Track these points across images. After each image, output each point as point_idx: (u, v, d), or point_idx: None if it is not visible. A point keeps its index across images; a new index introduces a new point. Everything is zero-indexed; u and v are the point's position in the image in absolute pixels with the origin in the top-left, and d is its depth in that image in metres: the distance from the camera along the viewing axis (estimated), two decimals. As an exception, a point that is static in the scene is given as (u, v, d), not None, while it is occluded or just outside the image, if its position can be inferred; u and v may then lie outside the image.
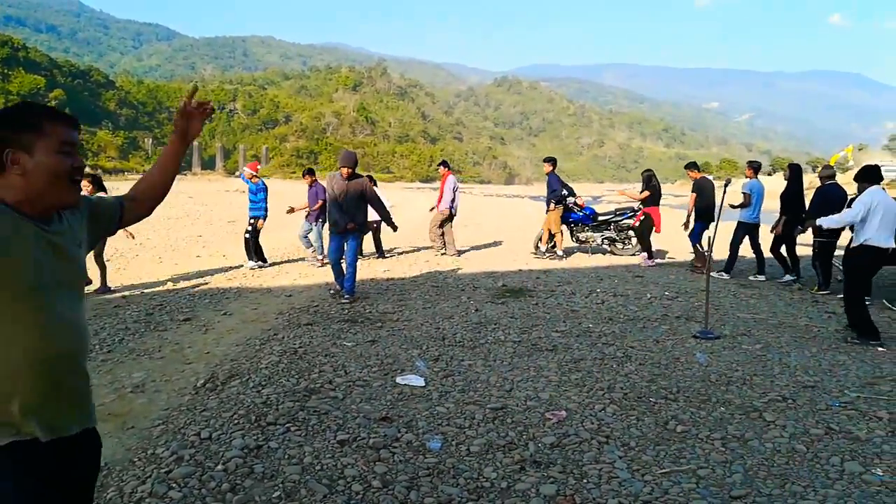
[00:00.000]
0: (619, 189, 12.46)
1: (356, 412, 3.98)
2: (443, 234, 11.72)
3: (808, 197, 9.03)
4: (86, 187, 10.80)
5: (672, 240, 13.68)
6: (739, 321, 6.63)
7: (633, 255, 11.72)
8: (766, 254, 9.51)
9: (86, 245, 1.75)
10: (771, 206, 9.57)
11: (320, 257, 10.17)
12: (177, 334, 5.97)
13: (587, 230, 12.34)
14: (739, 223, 9.54)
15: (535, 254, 11.76)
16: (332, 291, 7.61)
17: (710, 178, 9.91)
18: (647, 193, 10.73)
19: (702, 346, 5.59)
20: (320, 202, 9.84)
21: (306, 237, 10.25)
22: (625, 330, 6.16)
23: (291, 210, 10.44)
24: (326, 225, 8.19)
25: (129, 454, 3.43)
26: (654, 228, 10.83)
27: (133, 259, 10.46)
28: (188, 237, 13.68)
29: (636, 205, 11.48)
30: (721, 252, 9.60)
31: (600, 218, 12.30)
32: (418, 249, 12.58)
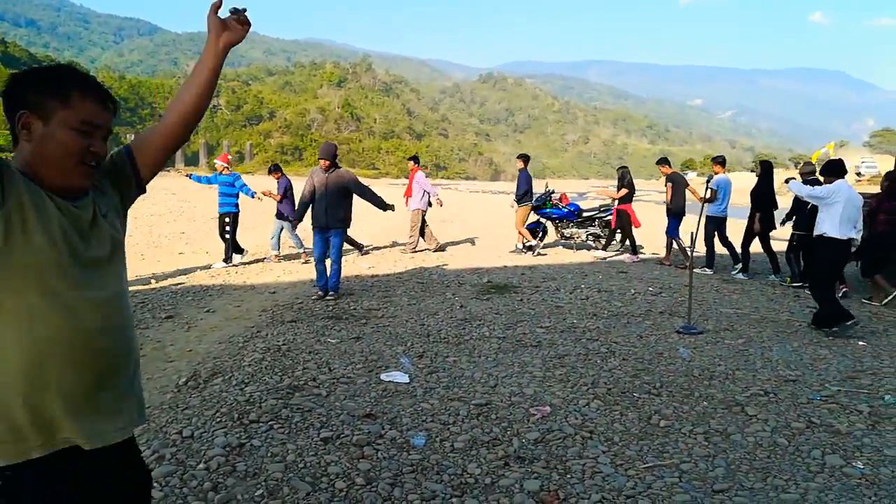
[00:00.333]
0: (602, 188, 12.52)
1: (340, 409, 3.96)
2: (422, 233, 11.64)
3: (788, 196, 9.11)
4: None
5: (656, 236, 13.76)
6: (722, 316, 6.67)
7: (618, 252, 11.77)
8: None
9: (119, 211, 1.59)
10: (742, 202, 9.69)
11: (302, 251, 10.15)
12: (159, 332, 5.91)
13: (572, 226, 12.38)
14: (708, 217, 9.68)
15: (515, 251, 11.78)
16: (314, 298, 7.29)
17: (697, 173, 9.99)
18: (625, 191, 10.83)
19: (685, 342, 5.62)
20: (278, 195, 9.87)
21: (276, 238, 10.11)
22: (609, 325, 6.18)
23: (268, 193, 10.06)
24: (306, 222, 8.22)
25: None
26: (633, 224, 10.94)
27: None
28: (171, 234, 13.53)
29: (612, 202, 11.56)
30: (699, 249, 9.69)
31: (584, 214, 12.34)
32: (401, 245, 12.54)
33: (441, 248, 11.70)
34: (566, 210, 12.33)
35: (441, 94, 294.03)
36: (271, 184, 10.26)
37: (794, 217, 8.83)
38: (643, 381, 4.54)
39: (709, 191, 9.67)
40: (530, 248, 11.58)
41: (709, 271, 9.69)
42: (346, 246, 8.66)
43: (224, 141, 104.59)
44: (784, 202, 9.31)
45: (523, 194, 11.38)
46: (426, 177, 11.79)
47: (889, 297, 7.54)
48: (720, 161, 10.00)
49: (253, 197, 9.87)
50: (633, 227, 11.00)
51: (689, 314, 6.22)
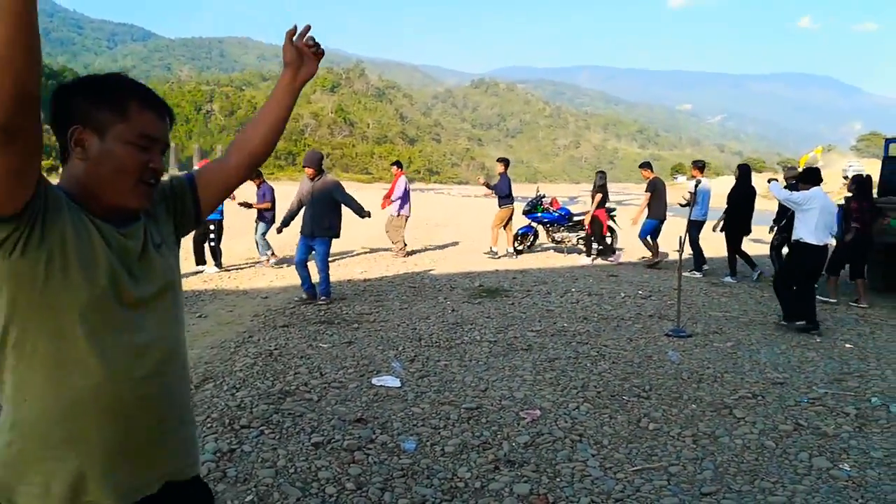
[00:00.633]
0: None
1: (331, 414, 3.96)
2: (390, 233, 11.57)
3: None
4: None
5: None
6: (711, 319, 6.72)
7: (609, 259, 11.84)
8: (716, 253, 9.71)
9: (174, 243, 1.44)
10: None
11: (265, 256, 10.05)
12: (149, 338, 5.89)
13: (562, 230, 12.42)
14: (689, 221, 9.78)
15: (508, 254, 11.82)
16: (297, 298, 7.32)
17: (686, 177, 10.14)
18: (600, 196, 10.97)
19: (674, 345, 5.66)
20: (267, 203, 9.82)
21: (263, 237, 10.09)
22: (599, 329, 6.22)
23: (245, 205, 9.97)
24: (275, 225, 8.38)
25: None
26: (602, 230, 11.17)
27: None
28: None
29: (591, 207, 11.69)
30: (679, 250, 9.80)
31: (575, 218, 12.39)
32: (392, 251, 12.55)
33: (408, 253, 11.66)
34: (557, 214, 12.38)
35: (434, 99, 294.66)
36: (251, 189, 10.17)
37: (782, 221, 8.92)
38: (632, 385, 4.57)
39: (688, 194, 9.92)
40: (517, 251, 11.68)
41: (698, 274, 9.75)
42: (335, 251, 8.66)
43: (218, 146, 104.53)
44: (764, 205, 9.42)
45: (504, 197, 11.45)
46: (408, 182, 11.79)
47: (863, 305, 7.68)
48: (700, 166, 10.14)
49: (221, 221, 9.59)
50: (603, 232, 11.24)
51: (678, 317, 6.26)
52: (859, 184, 8.01)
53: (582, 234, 12.30)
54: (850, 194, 8.16)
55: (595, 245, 11.74)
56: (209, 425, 3.78)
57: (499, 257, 11.53)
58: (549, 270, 10.18)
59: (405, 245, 11.64)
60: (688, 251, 8.84)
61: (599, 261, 11.25)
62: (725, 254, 9.75)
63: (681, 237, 6.92)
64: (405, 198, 11.35)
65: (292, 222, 7.91)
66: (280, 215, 8.39)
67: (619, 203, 17.63)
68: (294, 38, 1.50)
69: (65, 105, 1.25)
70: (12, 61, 0.91)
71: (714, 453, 3.48)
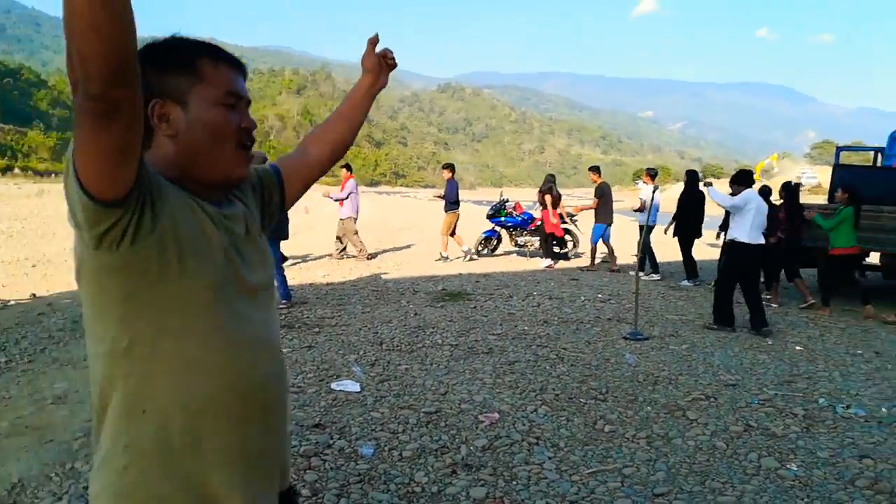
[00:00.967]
0: (575, 207, 12.81)
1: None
2: (347, 238, 11.46)
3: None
4: None
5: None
6: (668, 322, 6.85)
7: (568, 258, 12.00)
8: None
9: (263, 234, 1.31)
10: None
11: None
12: (103, 343, 5.75)
13: (525, 234, 12.53)
14: (640, 226, 10.07)
15: (466, 253, 11.84)
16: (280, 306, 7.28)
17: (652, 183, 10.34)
18: (549, 199, 11.14)
19: (631, 347, 5.75)
20: None
21: None
22: (559, 332, 6.28)
23: None
24: None
25: (46, 469, 3.28)
26: (549, 230, 11.33)
27: (62, 264, 10.02)
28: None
29: (575, 213, 11.88)
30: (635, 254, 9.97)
31: (538, 222, 12.51)
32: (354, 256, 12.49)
33: (342, 257, 11.53)
34: (520, 219, 12.48)
35: (400, 102, 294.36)
36: None
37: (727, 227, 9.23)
38: (590, 387, 4.63)
39: (639, 200, 10.30)
40: (477, 253, 11.73)
41: (656, 276, 9.97)
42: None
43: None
44: (717, 210, 9.66)
45: (451, 203, 11.47)
46: (357, 185, 11.66)
47: (809, 304, 8.00)
48: (652, 174, 10.41)
49: None
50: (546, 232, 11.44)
51: (635, 321, 6.37)
52: (788, 191, 8.46)
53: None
54: (780, 201, 8.58)
55: (557, 248, 11.89)
56: (163, 432, 3.71)
57: (450, 260, 11.56)
58: (511, 274, 10.25)
59: (344, 250, 11.50)
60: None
61: (560, 264, 11.38)
62: (682, 258, 9.97)
63: (638, 241, 7.06)
64: (353, 200, 11.21)
65: None
66: None
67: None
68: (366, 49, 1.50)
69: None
70: (104, 25, 0.79)
71: (667, 454, 3.55)
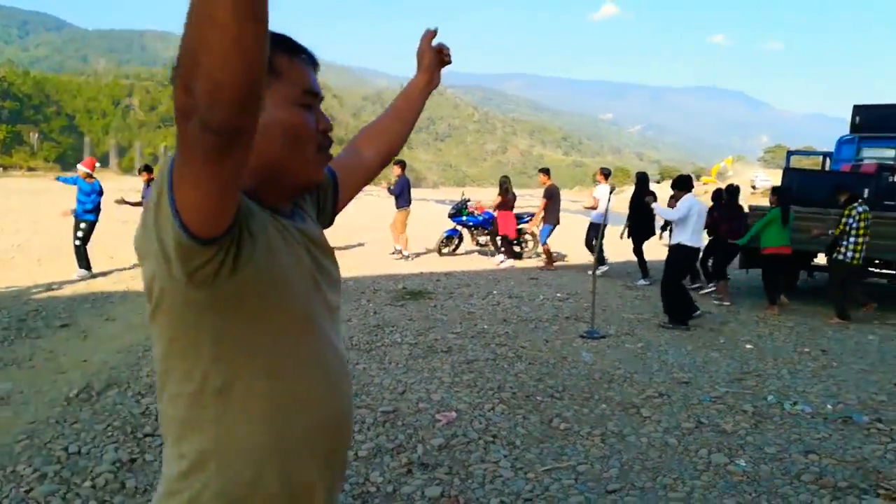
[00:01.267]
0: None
1: (242, 420, 3.85)
2: None
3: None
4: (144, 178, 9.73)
5: (566, 244, 14.17)
6: (624, 321, 6.96)
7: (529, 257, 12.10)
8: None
9: None
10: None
11: None
12: (52, 342, 5.57)
13: (486, 234, 12.58)
14: (590, 224, 10.42)
15: (401, 254, 11.77)
16: None
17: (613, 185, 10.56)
18: (500, 198, 11.26)
19: (588, 346, 5.82)
20: (140, 201, 9.23)
21: None
22: (517, 331, 6.32)
23: (122, 201, 9.33)
24: None
25: (-15, 472, 3.16)
26: (506, 233, 11.43)
27: (9, 261, 9.68)
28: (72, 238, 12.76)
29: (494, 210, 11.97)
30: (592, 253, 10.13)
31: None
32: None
33: None
34: (481, 218, 12.52)
35: (364, 100, 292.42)
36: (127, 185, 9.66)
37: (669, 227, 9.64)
38: (546, 385, 4.67)
39: (592, 198, 10.63)
40: (400, 253, 11.71)
41: (604, 267, 10.35)
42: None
43: (137, 142, 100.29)
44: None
45: (398, 197, 11.45)
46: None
47: (724, 304, 8.33)
48: (606, 173, 10.65)
49: (76, 216, 8.64)
50: (499, 234, 11.56)
51: (592, 319, 6.45)
52: (730, 194, 8.98)
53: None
54: (712, 203, 9.09)
55: (518, 248, 11.98)
56: (109, 434, 3.61)
57: (407, 256, 11.58)
58: (472, 273, 10.27)
59: None
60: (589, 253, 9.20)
61: (517, 263, 11.45)
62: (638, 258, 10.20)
63: (594, 241, 7.17)
64: None
65: None
66: None
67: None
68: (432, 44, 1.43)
69: None
70: (250, 41, 0.66)
71: (621, 451, 3.59)
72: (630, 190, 10.34)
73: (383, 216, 25.01)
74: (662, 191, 12.04)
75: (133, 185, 25.88)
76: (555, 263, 11.15)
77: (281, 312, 0.95)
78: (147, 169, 9.90)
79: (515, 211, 11.75)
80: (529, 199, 20.79)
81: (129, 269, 9.33)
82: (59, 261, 9.92)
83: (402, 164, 11.67)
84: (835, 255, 7.46)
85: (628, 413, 4.19)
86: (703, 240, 7.07)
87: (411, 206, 11.63)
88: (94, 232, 8.83)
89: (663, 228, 9.69)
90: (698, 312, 7.01)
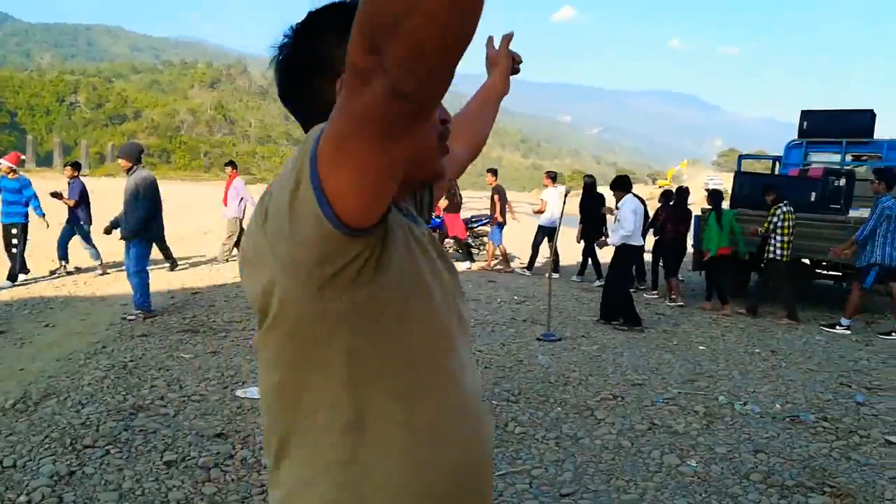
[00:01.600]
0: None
1: (188, 429, 3.73)
2: (228, 241, 10.81)
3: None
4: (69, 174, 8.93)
5: (521, 248, 14.24)
6: (580, 323, 7.00)
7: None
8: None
9: None
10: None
11: (98, 262, 9.01)
12: (-15, 350, 5.32)
13: (443, 235, 12.54)
14: (539, 227, 10.59)
15: None
16: (130, 318, 6.39)
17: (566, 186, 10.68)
18: (446, 202, 11.30)
19: (544, 349, 5.83)
20: (72, 200, 8.65)
21: (86, 245, 8.91)
22: (474, 334, 6.29)
23: (59, 196, 8.72)
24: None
25: None
26: (456, 234, 11.51)
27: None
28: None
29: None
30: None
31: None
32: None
33: (226, 259, 10.74)
34: (438, 220, 12.47)
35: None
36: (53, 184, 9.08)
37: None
38: (503, 389, 4.65)
39: (540, 201, 10.86)
40: None
41: (528, 273, 10.59)
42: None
43: (82, 140, 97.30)
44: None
45: None
46: (244, 185, 11.20)
47: (678, 304, 8.53)
48: (552, 176, 10.90)
49: (41, 216, 8.44)
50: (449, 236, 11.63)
51: (548, 322, 6.47)
52: (680, 196, 9.22)
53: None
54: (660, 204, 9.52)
55: (475, 250, 12.00)
56: (47, 446, 3.44)
57: None
58: (429, 276, 10.22)
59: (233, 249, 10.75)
60: (544, 256, 9.26)
61: (477, 265, 11.46)
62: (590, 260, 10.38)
63: (550, 243, 7.20)
64: (239, 199, 10.63)
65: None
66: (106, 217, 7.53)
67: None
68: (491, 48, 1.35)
69: (314, 50, 0.86)
70: None
71: (575, 454, 3.59)
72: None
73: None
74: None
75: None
76: (510, 265, 11.18)
77: (422, 324, 0.83)
78: (74, 166, 9.21)
79: (470, 213, 11.76)
80: (478, 202, 20.83)
81: (73, 272, 8.99)
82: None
83: None
84: (766, 254, 7.77)
85: (583, 416, 4.20)
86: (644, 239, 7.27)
87: None
88: (37, 235, 8.44)
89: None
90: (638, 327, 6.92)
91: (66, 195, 8.71)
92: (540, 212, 10.57)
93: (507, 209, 11.17)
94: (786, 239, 7.60)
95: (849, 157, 10.59)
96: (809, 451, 3.75)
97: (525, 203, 25.38)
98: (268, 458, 0.87)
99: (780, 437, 3.96)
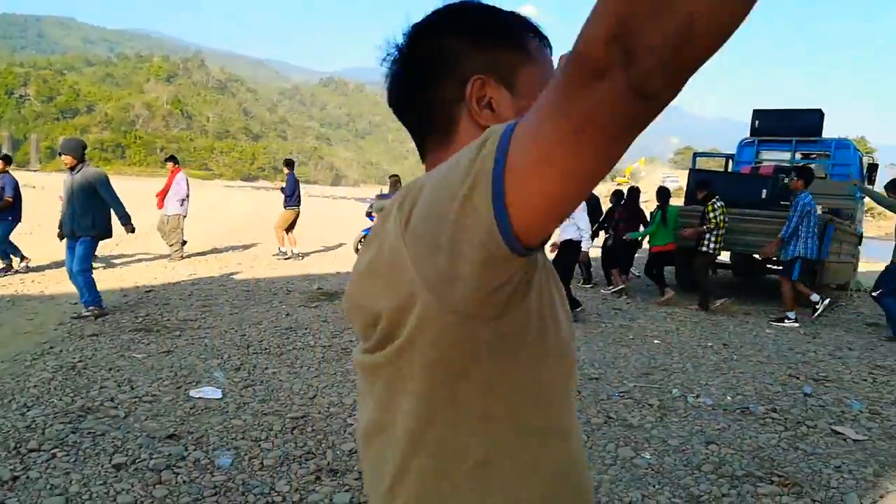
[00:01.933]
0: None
1: (139, 431, 3.63)
2: (161, 234, 10.61)
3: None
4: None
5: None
6: (539, 320, 7.06)
7: None
8: None
9: None
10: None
11: (6, 262, 8.67)
12: (-76, 352, 5.10)
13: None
14: None
15: (278, 255, 11.49)
16: (78, 316, 6.24)
17: None
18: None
19: (503, 345, 5.86)
20: (7, 199, 8.40)
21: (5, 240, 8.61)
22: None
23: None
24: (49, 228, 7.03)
25: None
26: None
27: None
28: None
29: None
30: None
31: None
32: (233, 249, 11.97)
33: (178, 257, 10.50)
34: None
35: (280, 95, 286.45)
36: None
37: (604, 223, 10.10)
38: (461, 386, 4.65)
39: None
40: (284, 254, 11.46)
41: None
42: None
43: (32, 134, 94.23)
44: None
45: (289, 197, 11.31)
46: (187, 179, 10.99)
47: (618, 289, 9.02)
48: None
49: None
50: None
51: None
52: (631, 196, 9.66)
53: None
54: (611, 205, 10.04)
55: None
56: (-11, 451, 3.32)
57: (288, 258, 11.33)
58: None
59: (183, 246, 10.61)
60: None
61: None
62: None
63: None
64: (183, 196, 10.48)
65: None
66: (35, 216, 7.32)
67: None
68: None
69: (441, 48, 0.80)
70: None
71: (532, 450, 3.61)
72: None
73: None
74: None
75: (28, 181, 24.31)
76: None
77: (554, 357, 0.74)
78: (5, 159, 8.82)
79: None
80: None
81: (21, 271, 8.70)
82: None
83: (291, 164, 11.60)
84: (699, 247, 8.09)
85: (540, 411, 4.23)
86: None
87: (300, 206, 11.51)
88: None
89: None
90: (580, 308, 7.27)
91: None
92: None
93: None
94: (720, 233, 7.96)
95: (798, 155, 10.91)
96: (759, 442, 3.85)
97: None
98: (374, 500, 0.80)
99: (731, 429, 4.06)
